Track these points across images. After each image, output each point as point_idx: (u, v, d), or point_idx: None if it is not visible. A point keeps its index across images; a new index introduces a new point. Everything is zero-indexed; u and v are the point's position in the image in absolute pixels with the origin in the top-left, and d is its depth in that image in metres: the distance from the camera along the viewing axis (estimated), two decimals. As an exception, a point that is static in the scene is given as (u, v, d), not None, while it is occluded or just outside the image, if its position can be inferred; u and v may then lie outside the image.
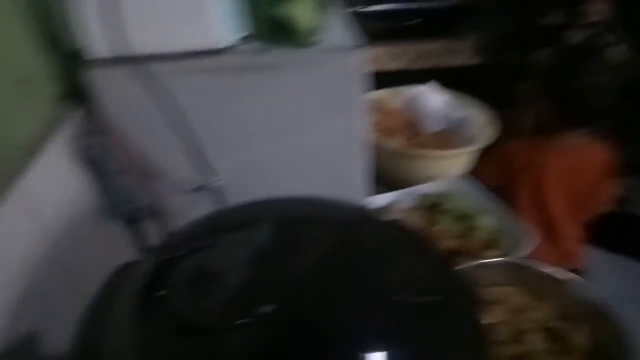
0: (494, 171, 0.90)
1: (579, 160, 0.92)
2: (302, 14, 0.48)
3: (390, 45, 1.59)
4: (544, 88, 0.94)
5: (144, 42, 0.44)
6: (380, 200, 0.72)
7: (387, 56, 1.61)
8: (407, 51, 1.61)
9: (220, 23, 0.46)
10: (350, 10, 1.49)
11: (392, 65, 1.62)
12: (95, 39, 0.45)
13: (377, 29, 1.60)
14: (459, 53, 1.63)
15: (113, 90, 0.48)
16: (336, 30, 0.52)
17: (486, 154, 0.86)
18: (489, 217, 0.71)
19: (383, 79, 1.02)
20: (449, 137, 0.88)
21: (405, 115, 0.91)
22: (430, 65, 1.63)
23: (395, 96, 0.94)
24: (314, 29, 0.49)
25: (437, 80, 1.74)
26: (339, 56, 0.49)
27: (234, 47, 0.48)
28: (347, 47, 0.49)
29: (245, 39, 0.49)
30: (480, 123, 0.87)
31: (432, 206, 0.74)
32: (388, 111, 0.90)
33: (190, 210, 0.42)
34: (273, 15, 0.48)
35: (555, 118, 0.91)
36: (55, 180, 0.47)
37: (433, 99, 0.93)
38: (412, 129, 0.90)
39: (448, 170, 0.81)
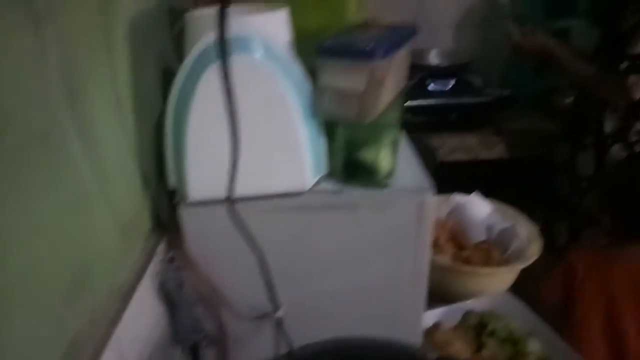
0: (558, 283, 0.87)
1: None
2: (383, 158, 0.52)
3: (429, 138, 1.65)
4: (607, 197, 0.94)
5: (236, 185, 0.49)
6: (427, 318, 0.74)
7: (425, 148, 1.66)
8: (444, 144, 1.66)
9: (310, 168, 0.51)
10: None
11: (430, 156, 1.67)
12: (192, 182, 0.49)
13: (416, 122, 1.67)
14: (494, 146, 1.67)
15: (200, 227, 0.52)
16: (408, 171, 0.56)
17: (549, 265, 0.86)
18: (537, 341, 0.71)
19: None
20: (493, 248, 0.89)
21: (450, 226, 0.93)
22: (467, 158, 1.68)
23: (439, 205, 0.97)
24: (391, 171, 0.53)
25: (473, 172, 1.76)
26: (411, 197, 0.53)
27: (315, 187, 0.52)
28: (419, 188, 0.53)
29: (324, 178, 0.54)
30: (524, 236, 0.89)
31: (478, 325, 0.75)
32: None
33: (250, 338, 0.44)
34: (355, 158, 0.52)
35: (620, 227, 0.90)
36: (142, 319, 0.49)
37: (477, 209, 0.95)
38: (457, 240, 0.92)
39: (494, 286, 0.82)
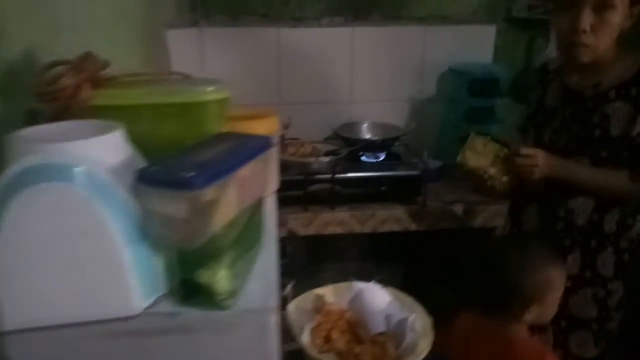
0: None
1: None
2: (221, 279, 0.50)
3: (356, 210, 1.65)
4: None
5: (56, 311, 0.46)
6: None
7: (354, 220, 1.66)
8: (374, 216, 1.67)
9: (137, 290, 0.48)
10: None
11: (358, 228, 1.67)
12: (7, 310, 0.46)
13: (348, 194, 1.67)
14: (423, 218, 1.68)
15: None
16: (258, 288, 0.54)
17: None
18: None
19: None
20: (390, 342, 0.87)
21: (349, 316, 0.91)
22: (397, 229, 1.68)
23: (340, 293, 0.95)
24: (232, 291, 0.51)
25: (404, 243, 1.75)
26: (253, 318, 0.50)
27: (147, 310, 0.50)
28: (262, 309, 0.51)
29: (159, 300, 0.51)
30: (419, 329, 0.87)
31: None
32: (330, 311, 0.90)
33: None
34: (191, 279, 0.50)
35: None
36: None
37: (377, 298, 0.94)
38: (355, 331, 0.89)
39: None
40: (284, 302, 0.94)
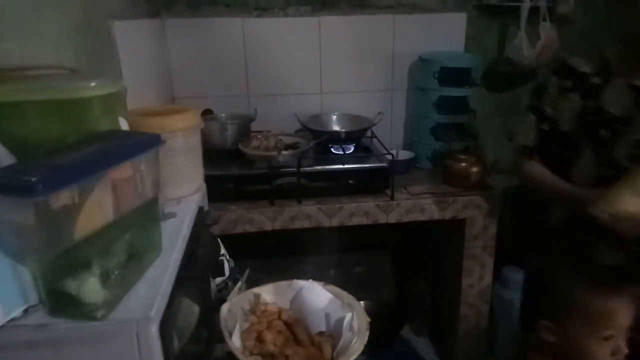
0: None
1: None
2: (90, 289, 0.46)
3: (323, 203, 1.61)
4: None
5: None
6: None
7: (321, 213, 1.62)
8: (342, 209, 1.63)
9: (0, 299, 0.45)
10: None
11: (326, 222, 1.63)
12: None
13: (315, 187, 1.63)
14: (392, 210, 1.65)
15: None
16: (137, 300, 0.50)
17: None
18: None
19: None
20: (326, 342, 0.83)
21: (288, 316, 0.87)
22: (366, 222, 1.65)
23: (282, 291, 0.91)
24: (105, 302, 0.47)
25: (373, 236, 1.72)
26: (128, 329, 0.47)
27: (14, 322, 0.46)
28: (140, 319, 0.47)
29: (27, 312, 0.47)
30: (355, 329, 0.83)
31: None
32: (265, 310, 0.86)
33: None
34: (59, 289, 0.46)
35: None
36: None
37: (316, 296, 0.90)
38: (293, 331, 0.86)
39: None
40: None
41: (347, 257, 2.26)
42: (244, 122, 1.73)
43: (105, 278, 0.47)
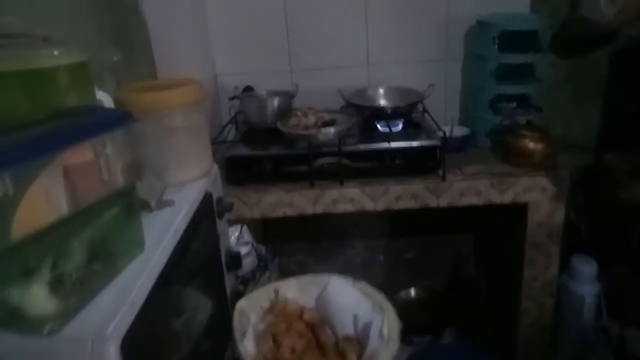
0: None
1: None
2: (35, 299, 0.38)
3: (367, 186, 1.49)
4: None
5: None
6: None
7: (365, 196, 1.50)
8: (387, 191, 1.49)
9: None
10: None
11: (370, 206, 1.51)
12: None
13: (356, 169, 1.51)
14: (442, 193, 1.49)
15: None
16: (98, 313, 0.42)
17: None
18: None
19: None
20: (352, 349, 0.72)
21: (311, 316, 0.77)
22: (414, 206, 1.51)
23: (299, 288, 0.81)
24: (55, 314, 0.39)
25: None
26: (77, 346, 0.39)
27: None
28: (92, 336, 0.39)
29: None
30: (385, 334, 0.72)
31: None
32: (284, 309, 0.77)
33: None
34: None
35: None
36: None
37: (344, 295, 0.79)
38: (317, 333, 0.76)
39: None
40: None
41: (397, 241, 2.13)
42: (284, 99, 1.63)
43: (57, 284, 0.39)
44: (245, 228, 1.10)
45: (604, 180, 1.77)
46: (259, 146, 1.53)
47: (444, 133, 1.45)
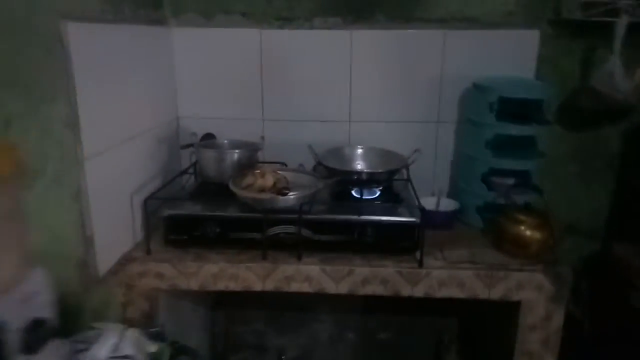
0: None
1: None
2: None
3: (329, 263, 1.24)
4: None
5: None
6: None
7: (326, 276, 1.25)
8: (352, 273, 1.25)
9: None
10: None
11: (331, 287, 1.26)
12: None
13: (318, 242, 1.27)
14: (420, 281, 1.24)
15: None
16: None
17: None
18: None
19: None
20: None
21: None
22: (383, 293, 1.25)
23: None
24: None
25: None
26: None
27: None
28: None
29: None
30: None
31: None
32: None
33: None
34: None
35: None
36: None
37: None
38: None
39: None
40: None
41: (370, 318, 1.85)
42: (247, 152, 1.41)
43: None
44: (132, 333, 0.74)
45: (612, 274, 1.51)
46: (209, 204, 1.30)
47: (422, 210, 1.22)
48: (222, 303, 1.78)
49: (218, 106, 1.61)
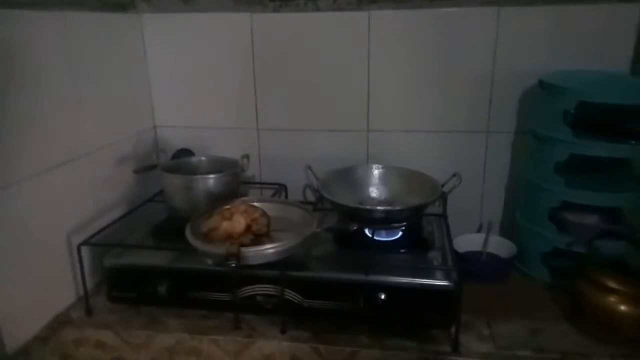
0: None
1: None
2: None
3: (322, 341, 0.87)
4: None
5: None
6: None
7: (316, 357, 0.88)
8: (353, 356, 0.87)
9: None
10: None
11: None
12: None
13: (308, 309, 0.90)
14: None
15: None
16: None
17: None
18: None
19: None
20: None
21: None
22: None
23: None
24: None
25: None
26: None
27: None
28: None
29: None
30: None
31: None
32: None
33: None
34: None
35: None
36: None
37: None
38: None
39: None
40: None
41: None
42: (225, 177, 1.06)
43: None
44: None
45: None
46: (166, 251, 0.96)
47: (459, 269, 0.82)
48: None
49: (202, 112, 1.27)
